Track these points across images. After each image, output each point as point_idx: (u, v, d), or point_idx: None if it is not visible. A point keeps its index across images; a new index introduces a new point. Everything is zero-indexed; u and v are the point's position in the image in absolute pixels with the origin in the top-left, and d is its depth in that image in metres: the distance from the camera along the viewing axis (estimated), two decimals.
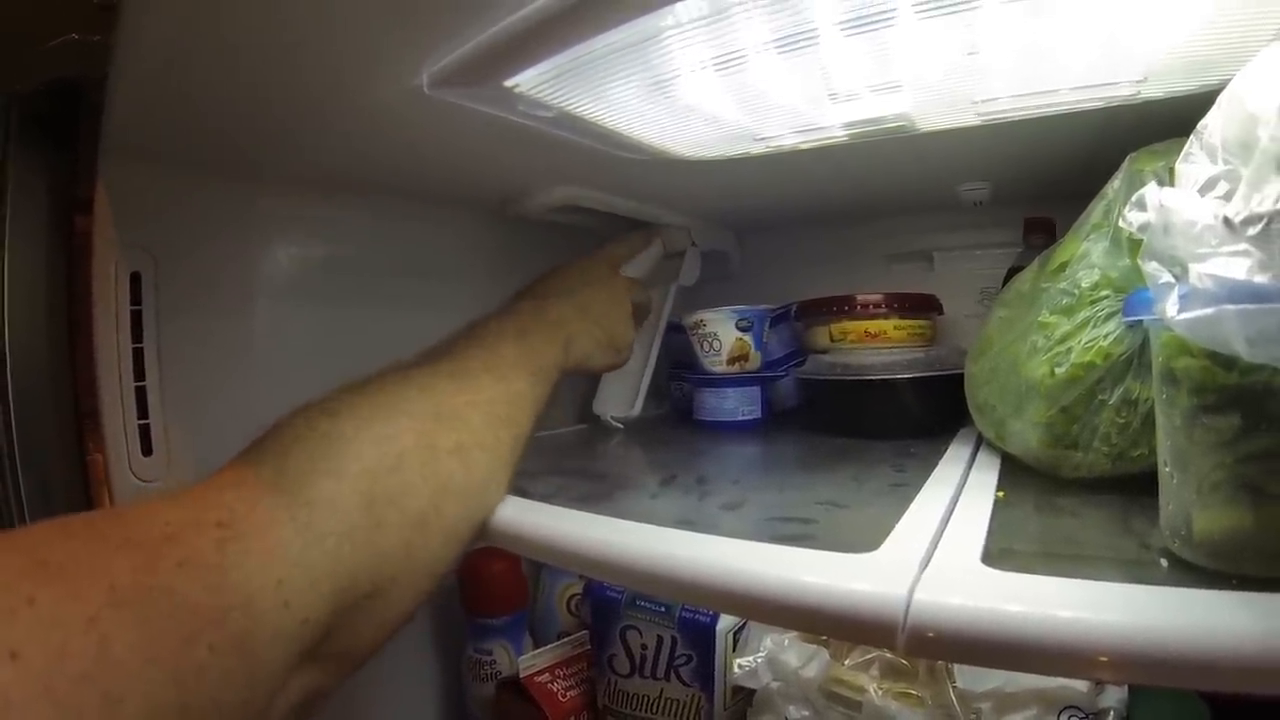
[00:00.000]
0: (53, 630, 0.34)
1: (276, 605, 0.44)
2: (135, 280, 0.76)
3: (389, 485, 0.54)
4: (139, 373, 0.77)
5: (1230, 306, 0.31)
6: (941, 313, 1.03)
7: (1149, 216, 0.38)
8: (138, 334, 0.77)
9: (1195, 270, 0.33)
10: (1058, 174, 0.87)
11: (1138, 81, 0.59)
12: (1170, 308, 0.34)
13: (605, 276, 0.91)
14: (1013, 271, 0.87)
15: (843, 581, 0.42)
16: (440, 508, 0.57)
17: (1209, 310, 0.32)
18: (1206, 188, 0.36)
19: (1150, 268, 0.37)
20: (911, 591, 0.39)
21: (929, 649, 0.39)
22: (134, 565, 0.39)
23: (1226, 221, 0.32)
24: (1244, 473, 0.36)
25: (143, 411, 0.77)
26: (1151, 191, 0.38)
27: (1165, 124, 0.55)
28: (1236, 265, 0.31)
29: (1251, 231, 0.31)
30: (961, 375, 0.73)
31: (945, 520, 0.52)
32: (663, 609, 0.91)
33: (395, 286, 1.01)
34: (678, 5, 0.46)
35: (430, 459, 0.57)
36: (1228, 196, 0.34)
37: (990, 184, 0.99)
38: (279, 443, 0.53)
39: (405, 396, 0.60)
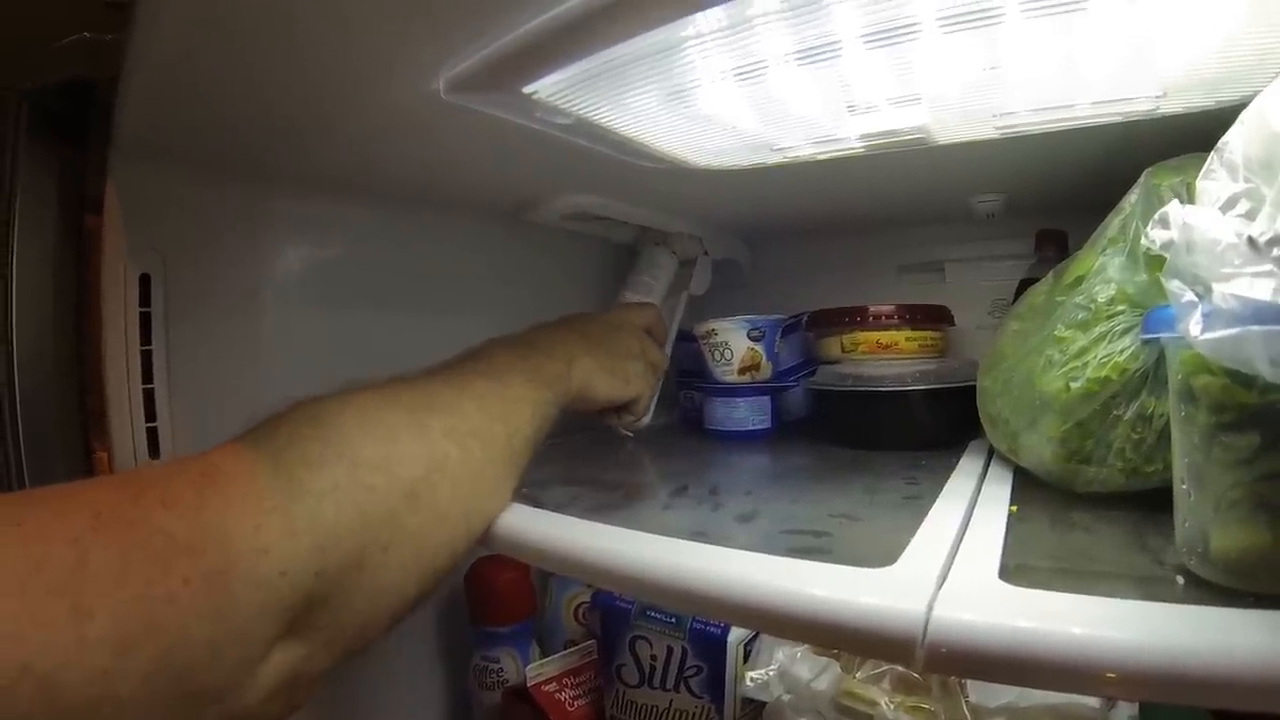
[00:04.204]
0: (35, 544, 0.37)
1: (254, 549, 0.44)
2: (145, 282, 0.76)
3: (377, 453, 0.54)
4: (147, 375, 0.77)
5: (1255, 328, 0.31)
6: (953, 324, 1.03)
7: (1172, 234, 0.37)
8: (146, 336, 0.77)
9: (1219, 290, 0.32)
10: (1072, 187, 0.87)
11: (1157, 97, 0.59)
12: (1194, 327, 0.34)
13: (618, 322, 0.91)
14: (1024, 283, 0.87)
15: (860, 596, 0.42)
16: (433, 483, 0.57)
17: (1233, 331, 0.32)
18: (1228, 205, 0.36)
19: (1173, 286, 0.37)
20: (930, 607, 0.39)
21: (947, 666, 0.38)
22: (117, 498, 0.42)
23: (1251, 242, 0.32)
24: (1262, 491, 0.36)
25: (150, 414, 0.77)
26: (1174, 209, 0.38)
27: (1181, 139, 0.55)
28: (1261, 286, 0.31)
29: (1277, 252, 0.31)
30: (973, 387, 0.73)
31: (960, 535, 0.52)
32: (673, 620, 0.91)
33: (407, 290, 1.01)
34: (698, 15, 0.46)
35: (423, 435, 0.58)
36: (1250, 215, 0.34)
37: (1004, 196, 0.98)
38: (268, 423, 0.54)
39: (398, 390, 0.61)
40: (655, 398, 1.09)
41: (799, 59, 0.53)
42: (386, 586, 0.54)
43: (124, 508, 0.41)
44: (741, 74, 0.56)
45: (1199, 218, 0.36)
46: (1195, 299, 0.35)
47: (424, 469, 0.56)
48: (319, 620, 0.49)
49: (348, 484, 0.51)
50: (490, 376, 0.67)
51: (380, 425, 0.56)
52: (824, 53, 0.52)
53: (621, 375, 0.85)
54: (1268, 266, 0.31)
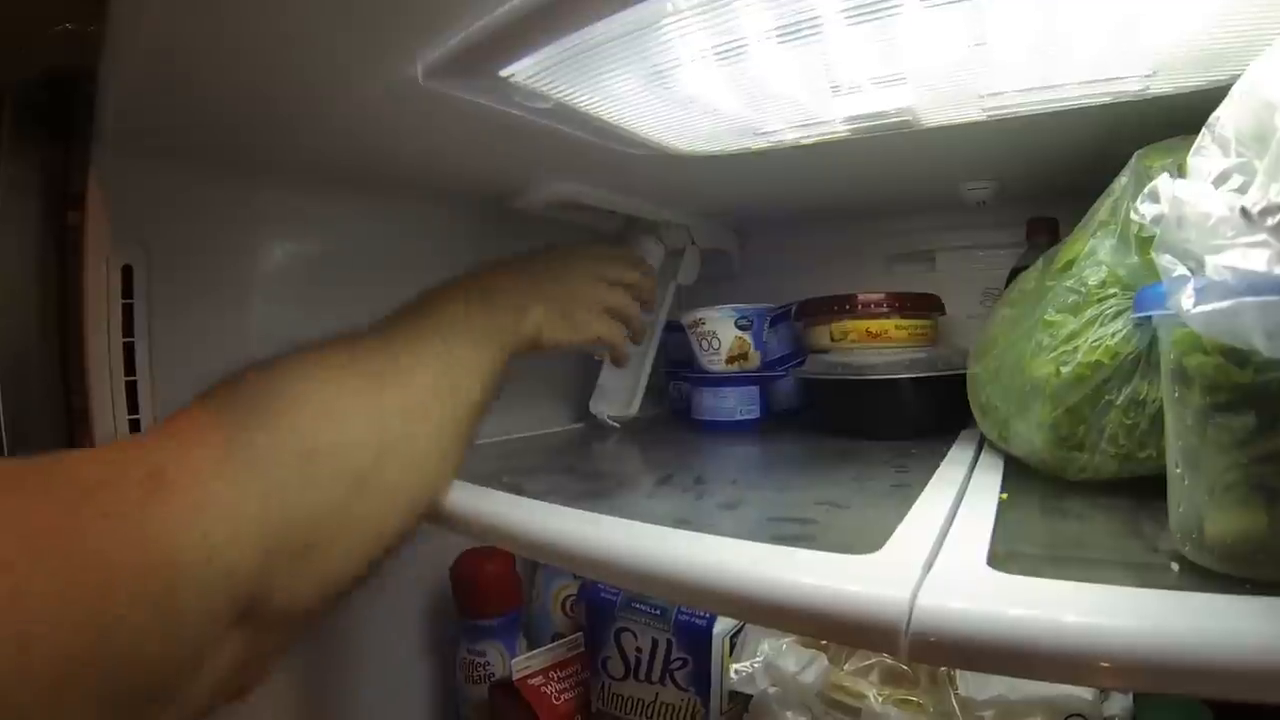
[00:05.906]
0: None
1: (200, 559, 0.43)
2: (127, 273, 0.76)
3: (328, 440, 0.54)
4: (129, 367, 0.77)
5: (1249, 299, 0.30)
6: (944, 313, 1.03)
7: (1162, 208, 0.37)
8: (129, 328, 0.76)
9: (1212, 262, 0.32)
10: (1062, 172, 0.87)
11: (1146, 76, 0.58)
12: (1186, 301, 0.33)
13: (579, 264, 0.88)
14: (1015, 272, 0.87)
15: (843, 583, 0.41)
16: (382, 467, 0.56)
17: (1227, 303, 0.31)
18: (1220, 180, 0.35)
19: (1164, 261, 0.36)
20: (915, 594, 0.38)
21: (933, 654, 0.38)
22: (54, 514, 0.39)
23: (1244, 212, 0.31)
24: (1258, 473, 0.35)
25: (133, 406, 0.77)
26: (1164, 183, 0.37)
27: (1171, 121, 0.55)
28: (1255, 257, 0.30)
29: (1271, 222, 0.30)
30: (964, 376, 0.73)
31: (949, 522, 0.51)
32: (658, 611, 0.90)
33: (393, 282, 0.99)
34: None
35: (376, 416, 0.57)
36: (1242, 189, 0.33)
37: (994, 183, 0.98)
38: (219, 395, 0.53)
39: (353, 355, 0.60)
40: (643, 386, 1.09)
41: (779, 36, 0.52)
42: (332, 574, 0.54)
43: (60, 526, 0.39)
44: (721, 53, 0.55)
45: (1189, 191, 0.35)
46: (1187, 273, 0.34)
47: (374, 454, 0.56)
48: (265, 610, 0.49)
49: (297, 481, 0.51)
50: (440, 334, 0.66)
51: (334, 407, 0.55)
52: (805, 29, 0.51)
53: (572, 320, 0.82)
54: (1262, 236, 0.30)
